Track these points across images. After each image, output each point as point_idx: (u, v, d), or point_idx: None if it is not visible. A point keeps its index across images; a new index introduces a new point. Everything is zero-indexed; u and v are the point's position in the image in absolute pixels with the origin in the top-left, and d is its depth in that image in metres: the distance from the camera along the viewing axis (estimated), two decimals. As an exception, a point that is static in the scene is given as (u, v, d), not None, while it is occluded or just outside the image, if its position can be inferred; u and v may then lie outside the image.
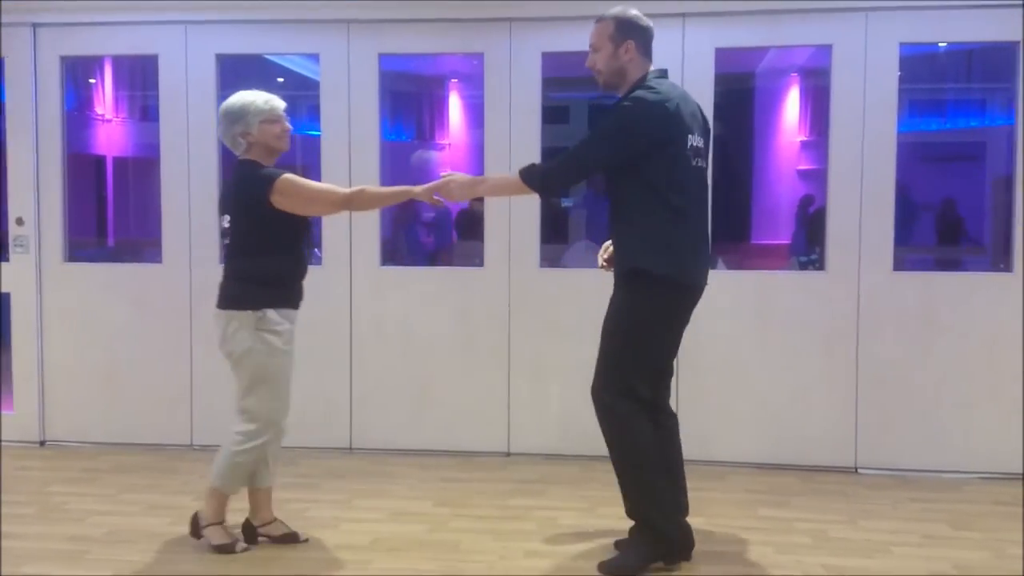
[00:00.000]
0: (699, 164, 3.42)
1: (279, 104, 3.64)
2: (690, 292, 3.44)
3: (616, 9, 3.48)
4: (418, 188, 3.61)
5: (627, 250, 3.40)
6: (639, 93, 3.33)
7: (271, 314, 3.50)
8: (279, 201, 3.47)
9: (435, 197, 3.57)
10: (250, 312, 3.48)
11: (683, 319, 3.50)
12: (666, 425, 3.55)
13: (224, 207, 3.71)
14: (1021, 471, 4.67)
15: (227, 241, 3.65)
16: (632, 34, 3.43)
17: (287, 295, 3.59)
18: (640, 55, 3.45)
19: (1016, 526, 3.99)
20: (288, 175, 3.51)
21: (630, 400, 3.39)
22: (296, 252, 3.62)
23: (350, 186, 4.97)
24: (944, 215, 6.83)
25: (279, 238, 3.56)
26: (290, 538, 3.74)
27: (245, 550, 3.64)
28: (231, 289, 3.55)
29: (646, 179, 3.30)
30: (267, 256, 3.54)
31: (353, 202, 3.60)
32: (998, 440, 4.69)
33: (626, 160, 3.31)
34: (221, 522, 3.68)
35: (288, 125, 3.65)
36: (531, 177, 3.41)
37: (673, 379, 4.87)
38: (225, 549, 3.61)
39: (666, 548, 3.43)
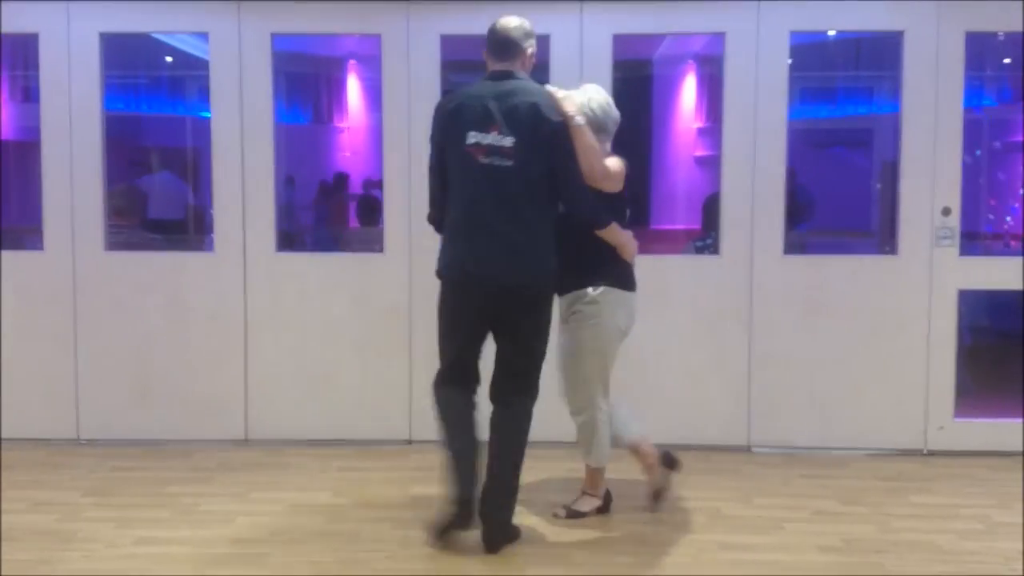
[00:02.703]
0: (492, 162, 3.40)
1: None
2: (460, 285, 3.52)
3: None
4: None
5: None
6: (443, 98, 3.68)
7: None
8: None
9: None
10: None
11: (466, 310, 3.54)
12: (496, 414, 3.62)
13: None
14: (903, 447, 4.86)
15: None
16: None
17: None
18: (488, 60, 3.62)
19: (899, 500, 4.15)
20: None
21: (440, 382, 3.63)
22: None
23: (242, 174, 4.88)
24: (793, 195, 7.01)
25: None
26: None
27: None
28: None
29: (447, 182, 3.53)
30: None
31: None
32: (882, 418, 4.86)
33: (439, 163, 3.55)
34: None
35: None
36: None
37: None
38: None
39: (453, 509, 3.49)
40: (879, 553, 3.53)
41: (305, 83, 7.79)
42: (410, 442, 4.96)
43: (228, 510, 3.96)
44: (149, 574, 3.30)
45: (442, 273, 3.58)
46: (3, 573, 3.31)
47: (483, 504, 3.48)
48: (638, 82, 7.49)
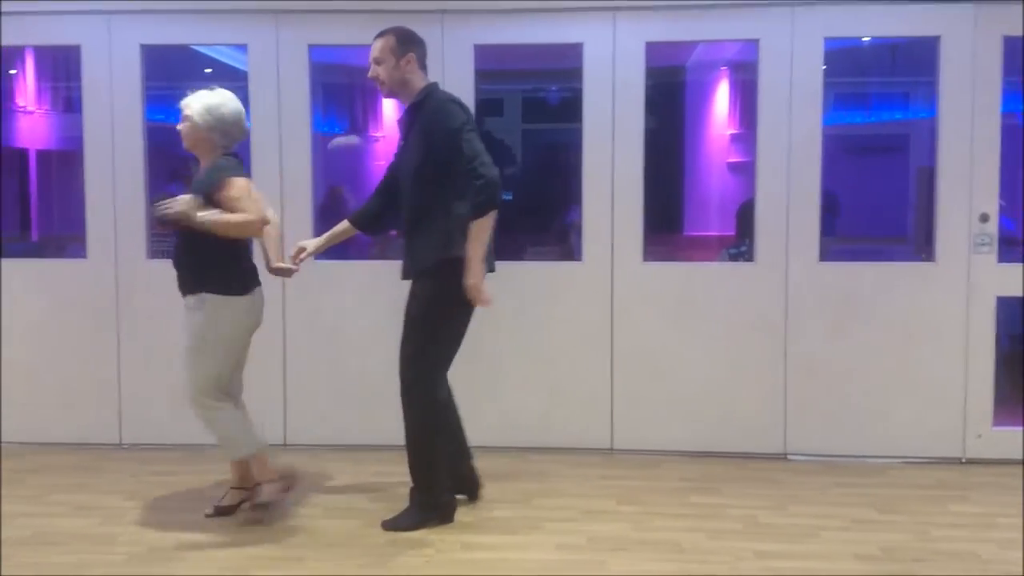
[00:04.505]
0: None
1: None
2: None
3: (395, 26, 3.87)
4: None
5: (440, 243, 3.67)
6: (446, 95, 3.77)
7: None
8: None
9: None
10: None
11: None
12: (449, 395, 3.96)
13: None
14: (940, 455, 4.82)
15: None
16: (412, 47, 3.80)
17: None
18: (419, 66, 3.82)
19: (937, 509, 4.12)
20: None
21: (442, 387, 3.84)
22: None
23: (281, 183, 4.95)
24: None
25: None
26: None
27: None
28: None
29: (455, 174, 3.63)
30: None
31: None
32: (920, 426, 4.82)
33: None
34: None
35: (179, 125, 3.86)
36: (486, 207, 3.60)
37: (608, 370, 4.97)
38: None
39: (438, 512, 3.87)
40: (917, 562, 3.50)
41: (341, 93, 7.84)
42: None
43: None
44: (190, 574, 3.37)
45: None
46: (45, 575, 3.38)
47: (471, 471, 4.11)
48: (671, 88, 7.48)
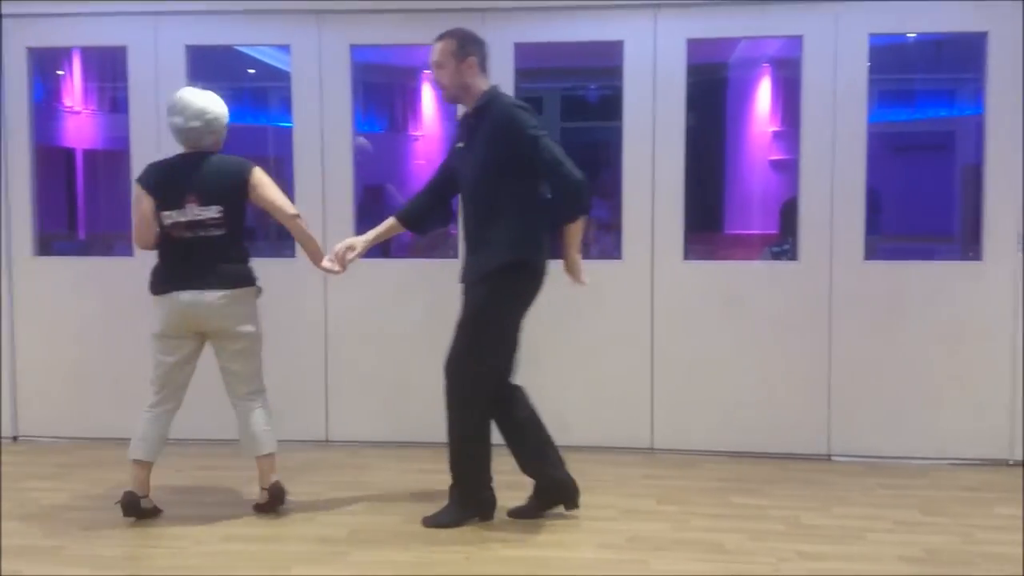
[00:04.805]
0: None
1: None
2: (541, 275, 3.79)
3: (456, 28, 3.81)
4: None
5: (504, 245, 3.67)
6: (512, 100, 3.75)
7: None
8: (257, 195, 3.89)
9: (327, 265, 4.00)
10: (255, 288, 3.95)
11: (529, 305, 3.84)
12: (517, 397, 3.91)
13: (209, 198, 3.83)
14: (987, 457, 4.74)
15: (222, 232, 3.83)
16: (473, 50, 3.75)
17: None
18: (480, 69, 3.77)
19: (983, 511, 4.06)
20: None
21: (491, 384, 3.80)
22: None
23: (323, 182, 4.99)
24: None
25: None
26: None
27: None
28: (242, 269, 3.91)
29: (526, 177, 3.66)
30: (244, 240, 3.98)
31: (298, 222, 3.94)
32: (966, 427, 4.76)
33: None
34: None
35: None
36: (579, 211, 3.69)
37: (648, 369, 4.95)
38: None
39: (479, 509, 3.87)
40: (963, 565, 3.45)
41: (381, 93, 7.89)
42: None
43: (309, 509, 4.04)
44: (235, 572, 3.40)
45: (543, 267, 3.78)
46: (91, 572, 3.43)
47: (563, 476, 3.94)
48: (712, 86, 7.43)
